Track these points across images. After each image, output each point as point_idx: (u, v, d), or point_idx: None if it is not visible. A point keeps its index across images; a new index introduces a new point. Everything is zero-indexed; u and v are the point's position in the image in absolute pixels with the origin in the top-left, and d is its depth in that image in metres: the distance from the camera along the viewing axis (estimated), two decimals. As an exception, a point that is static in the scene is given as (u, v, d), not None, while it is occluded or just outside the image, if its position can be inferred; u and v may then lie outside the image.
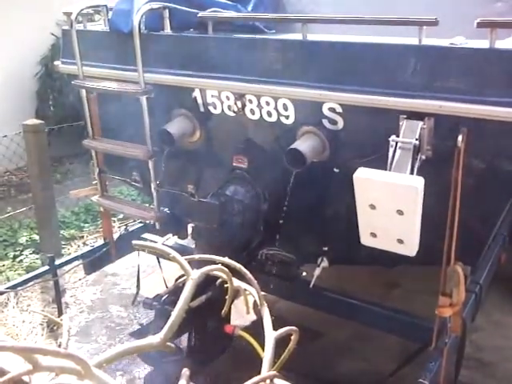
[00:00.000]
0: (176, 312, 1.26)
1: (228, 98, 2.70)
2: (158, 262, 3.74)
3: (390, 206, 2.03)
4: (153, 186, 3.10)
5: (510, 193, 2.29)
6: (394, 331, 2.90)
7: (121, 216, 4.95)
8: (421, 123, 2.14)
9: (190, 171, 3.16)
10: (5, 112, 6.18)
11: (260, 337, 1.40)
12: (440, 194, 2.13)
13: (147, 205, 3.58)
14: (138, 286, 3.90)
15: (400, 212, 2.01)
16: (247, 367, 1.31)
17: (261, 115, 2.64)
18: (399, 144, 2.13)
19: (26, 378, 1.17)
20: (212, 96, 2.76)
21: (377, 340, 3.36)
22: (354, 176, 2.07)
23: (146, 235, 3.70)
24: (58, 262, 3.57)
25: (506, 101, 1.99)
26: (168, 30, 2.86)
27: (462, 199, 2.13)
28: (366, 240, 2.20)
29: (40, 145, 4.34)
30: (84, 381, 1.04)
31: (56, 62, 3.49)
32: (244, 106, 2.66)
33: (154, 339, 1.22)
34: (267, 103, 2.58)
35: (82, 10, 3.10)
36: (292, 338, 1.36)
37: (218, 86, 2.69)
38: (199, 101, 2.83)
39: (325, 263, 2.86)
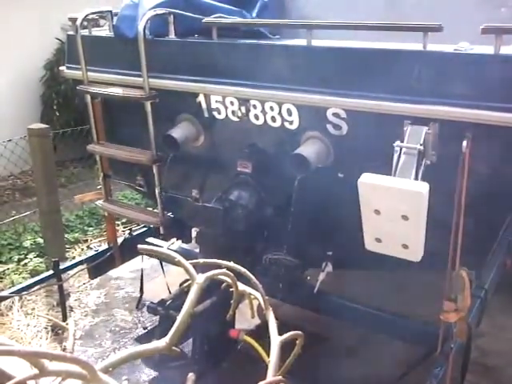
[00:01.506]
0: (181, 316, 1.26)
1: (232, 104, 2.71)
2: (161, 266, 3.75)
3: (394, 212, 2.03)
4: (157, 190, 3.11)
5: (514, 198, 2.28)
6: (399, 336, 2.89)
7: (125, 220, 4.97)
8: (425, 128, 2.14)
9: (194, 176, 3.17)
10: (10, 116, 6.22)
11: (264, 341, 1.41)
12: (445, 199, 2.13)
13: (151, 209, 3.60)
14: (141, 290, 3.92)
15: (405, 217, 2.01)
16: (252, 372, 1.31)
17: (265, 120, 2.65)
18: (404, 149, 2.13)
19: (31, 383, 1.17)
20: (216, 101, 2.77)
21: (382, 345, 3.35)
22: (359, 181, 2.07)
23: (150, 239, 3.71)
24: (62, 266, 3.58)
25: (510, 106, 1.99)
26: (173, 36, 2.88)
27: (466, 204, 2.13)
28: (370, 245, 2.19)
29: (45, 149, 4.36)
30: (90, 385, 1.05)
31: (61, 68, 3.51)
32: (248, 111, 2.67)
33: (160, 343, 1.22)
34: (271, 108, 2.58)
35: (87, 15, 3.12)
36: (297, 342, 1.36)
37: (222, 91, 2.70)
38: (203, 106, 2.84)
39: (329, 268, 2.86)
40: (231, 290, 1.50)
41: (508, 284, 3.47)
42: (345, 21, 2.40)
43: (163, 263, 3.78)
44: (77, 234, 5.19)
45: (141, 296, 3.96)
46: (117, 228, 4.35)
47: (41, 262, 4.58)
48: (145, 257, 3.83)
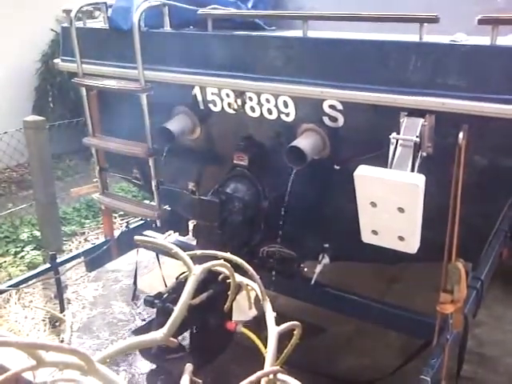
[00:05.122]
0: (179, 307, 1.27)
1: (228, 96, 2.71)
2: (158, 259, 3.75)
3: (390, 204, 2.03)
4: (153, 183, 3.11)
5: (510, 189, 2.29)
6: (396, 327, 2.91)
7: (122, 212, 4.96)
8: (421, 120, 2.14)
9: (191, 169, 3.16)
10: (5, 108, 6.17)
11: (262, 332, 1.41)
12: (441, 191, 2.14)
13: (148, 202, 3.59)
14: (135, 283, 3.94)
15: (401, 209, 2.01)
16: (249, 363, 1.31)
17: (261, 113, 2.64)
18: (400, 141, 2.13)
19: (28, 374, 1.17)
20: (212, 93, 2.76)
21: (378, 336, 3.38)
22: (355, 174, 2.07)
23: (147, 232, 3.71)
24: (59, 259, 3.58)
25: (507, 98, 1.99)
26: (168, 28, 2.86)
27: (462, 196, 2.13)
28: (367, 237, 2.20)
29: (41, 141, 4.34)
30: (88, 376, 1.05)
31: (56, 60, 3.48)
32: (244, 103, 2.66)
33: (157, 334, 1.23)
34: (267, 101, 2.58)
35: (81, 7, 3.09)
36: (295, 332, 1.36)
37: (218, 83, 2.69)
38: (199, 98, 2.83)
39: (326, 260, 2.87)
40: (228, 282, 1.50)
41: (504, 274, 3.50)
42: (340, 12, 2.39)
43: (159, 256, 3.79)
44: (74, 227, 5.18)
45: (135, 289, 3.98)
46: (114, 221, 4.35)
47: (38, 255, 4.57)
48: (142, 250, 3.83)
